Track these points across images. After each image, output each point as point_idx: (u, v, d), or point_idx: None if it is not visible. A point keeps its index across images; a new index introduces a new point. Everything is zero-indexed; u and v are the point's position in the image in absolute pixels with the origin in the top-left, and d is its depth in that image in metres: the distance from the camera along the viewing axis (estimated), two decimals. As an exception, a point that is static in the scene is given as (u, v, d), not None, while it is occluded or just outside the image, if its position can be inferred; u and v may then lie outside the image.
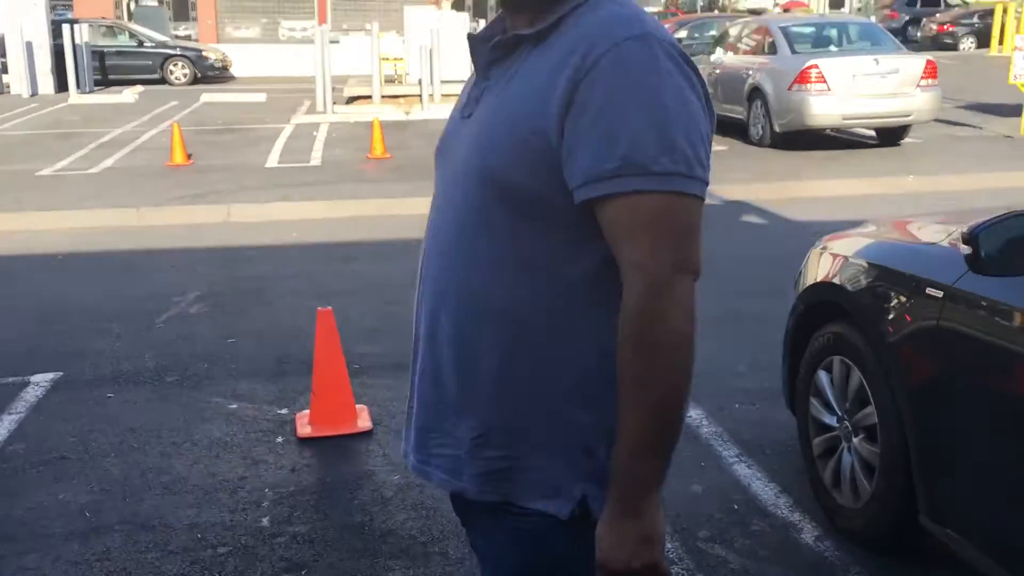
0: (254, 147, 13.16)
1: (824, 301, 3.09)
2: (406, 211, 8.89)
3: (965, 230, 2.07)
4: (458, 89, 16.68)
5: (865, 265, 2.88)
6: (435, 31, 16.35)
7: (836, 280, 3.02)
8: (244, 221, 8.65)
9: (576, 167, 1.28)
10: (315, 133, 14.38)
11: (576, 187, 1.29)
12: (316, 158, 12.20)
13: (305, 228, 8.24)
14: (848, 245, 3.13)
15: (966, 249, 2.09)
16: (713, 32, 19.50)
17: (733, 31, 13.96)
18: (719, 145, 12.12)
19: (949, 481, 2.50)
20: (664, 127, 1.25)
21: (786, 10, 32.42)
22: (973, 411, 2.39)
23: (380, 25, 17.87)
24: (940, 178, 9.80)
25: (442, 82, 16.77)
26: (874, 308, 2.78)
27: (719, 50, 13.78)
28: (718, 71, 13.32)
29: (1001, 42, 26.56)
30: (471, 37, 1.51)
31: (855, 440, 2.94)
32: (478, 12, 30.30)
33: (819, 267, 3.17)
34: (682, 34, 19.79)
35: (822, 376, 3.07)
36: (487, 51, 1.44)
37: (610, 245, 1.31)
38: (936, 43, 28.27)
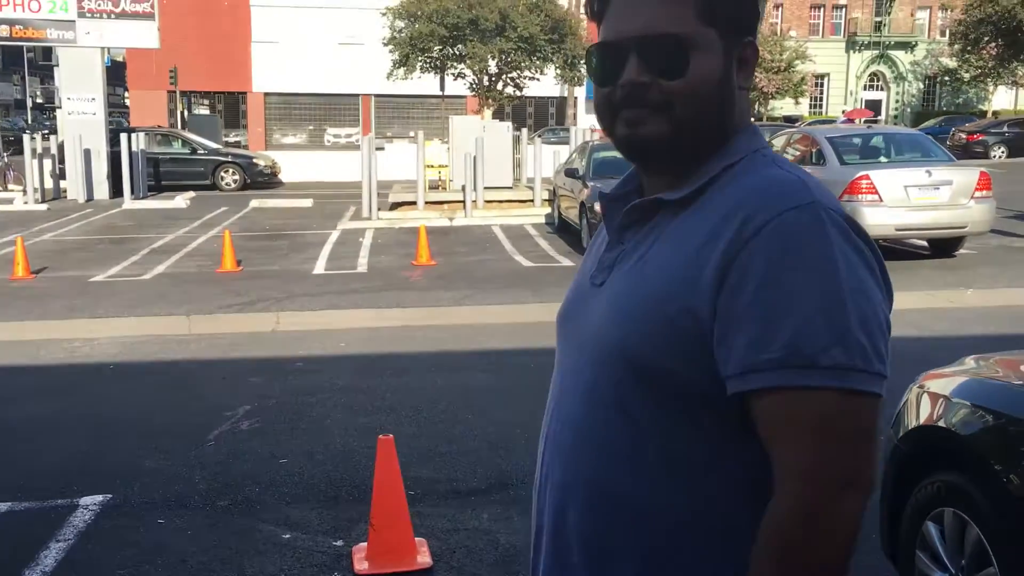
0: (301, 253, 13.28)
1: (930, 446, 2.88)
2: (453, 320, 8.83)
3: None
4: (500, 196, 17.06)
5: (978, 408, 2.69)
6: (479, 140, 16.63)
7: (942, 423, 2.82)
8: (293, 329, 8.60)
9: (730, 354, 1.13)
10: (361, 239, 14.51)
11: (729, 376, 1.13)
12: (363, 264, 12.26)
13: (353, 338, 8.16)
14: (951, 385, 2.93)
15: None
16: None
17: (778, 142, 14.00)
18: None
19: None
20: (836, 312, 1.09)
21: (850, 119, 32.63)
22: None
23: (424, 133, 18.22)
24: (999, 291, 9.57)
25: (485, 188, 16.96)
26: (993, 457, 2.57)
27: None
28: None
29: (1045, 150, 26.53)
30: (603, 195, 1.39)
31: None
32: (517, 121, 30.92)
33: (920, 408, 2.98)
34: (724, 142, 19.93)
35: (931, 529, 2.84)
36: (622, 214, 1.31)
37: (765, 445, 1.14)
38: (967, 152, 28.37)
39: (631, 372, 1.21)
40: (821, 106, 45.04)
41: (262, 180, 24.27)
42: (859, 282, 1.12)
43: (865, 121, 31.59)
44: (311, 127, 37.03)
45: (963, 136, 29.91)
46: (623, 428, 1.22)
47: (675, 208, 1.25)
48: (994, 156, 28.77)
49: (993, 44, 34.27)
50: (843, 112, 37.90)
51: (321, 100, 36.61)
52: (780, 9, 44.60)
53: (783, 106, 40.14)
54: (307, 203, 20.25)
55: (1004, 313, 8.57)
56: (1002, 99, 43.07)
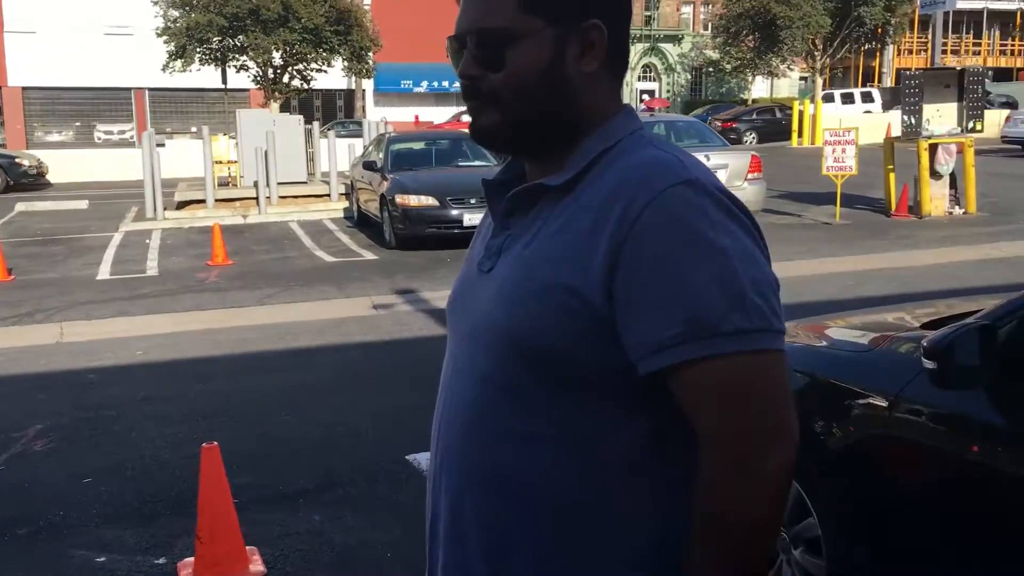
0: (81, 258, 12.39)
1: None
2: (258, 320, 8.52)
3: (927, 344, 2.10)
4: (295, 191, 16.53)
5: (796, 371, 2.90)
6: (270, 134, 16.12)
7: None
8: (80, 340, 7.99)
9: (635, 337, 1.14)
10: (148, 241, 13.71)
11: (640, 359, 1.14)
12: (152, 267, 11.59)
13: (151, 345, 7.70)
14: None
15: (929, 363, 2.11)
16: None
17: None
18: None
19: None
20: (729, 280, 1.11)
21: (650, 108, 34.05)
22: (924, 521, 2.40)
23: (208, 128, 17.43)
24: (779, 264, 10.33)
25: (279, 184, 16.47)
26: (806, 413, 2.79)
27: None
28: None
29: (800, 134, 28.94)
30: (486, 182, 1.38)
31: (795, 553, 2.91)
32: (305, 114, 30.21)
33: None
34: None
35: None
36: (506, 200, 1.30)
37: (689, 420, 1.16)
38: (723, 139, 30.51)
39: (522, 356, 1.20)
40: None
41: (27, 181, 22.41)
42: (744, 249, 1.14)
43: (661, 109, 33.33)
44: (78, 124, 34.55)
45: (719, 124, 32.03)
46: (517, 413, 1.22)
47: (558, 193, 1.25)
48: (746, 141, 30.93)
49: (751, 37, 36.91)
50: (643, 101, 39.56)
51: (89, 95, 34.23)
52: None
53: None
54: (82, 204, 18.88)
55: (786, 284, 9.25)
56: (760, 88, 46.57)
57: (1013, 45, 51.93)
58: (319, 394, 6.17)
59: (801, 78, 46.92)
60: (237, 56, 25.18)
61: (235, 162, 18.15)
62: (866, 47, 38.05)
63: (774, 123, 30.03)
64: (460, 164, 13.57)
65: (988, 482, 2.22)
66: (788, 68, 36.11)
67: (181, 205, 16.68)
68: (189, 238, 14.04)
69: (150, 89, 36.58)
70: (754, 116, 33.10)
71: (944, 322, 2.70)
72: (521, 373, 1.21)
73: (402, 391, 6.12)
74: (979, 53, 50.24)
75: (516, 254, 1.25)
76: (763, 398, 1.12)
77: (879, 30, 33.71)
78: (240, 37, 24.74)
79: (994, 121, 23.28)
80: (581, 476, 1.20)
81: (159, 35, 24.85)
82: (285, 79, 25.65)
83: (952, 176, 13.03)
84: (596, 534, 1.21)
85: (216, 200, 16.45)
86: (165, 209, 15.74)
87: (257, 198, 16.12)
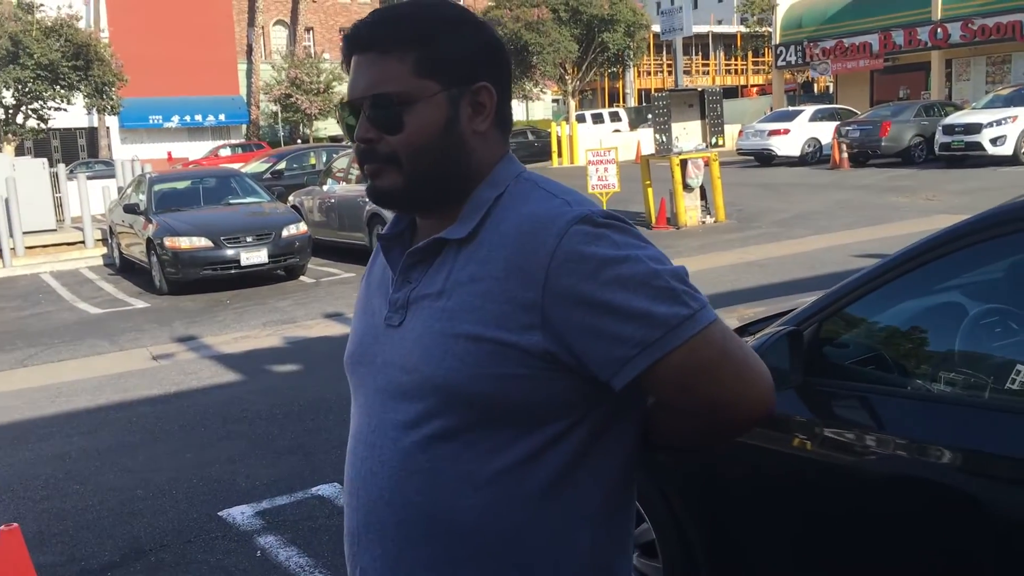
0: None
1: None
2: (21, 384, 7.85)
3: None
4: (44, 240, 15.32)
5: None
6: (10, 180, 14.87)
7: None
8: None
9: (596, 362, 1.22)
10: None
11: (609, 378, 1.22)
12: None
13: None
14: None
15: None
16: (313, 161, 19.94)
17: (340, 163, 14.37)
18: (344, 272, 12.30)
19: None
20: (654, 282, 1.21)
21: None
22: (751, 519, 2.63)
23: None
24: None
25: (24, 233, 15.22)
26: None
27: (330, 181, 14.09)
28: (332, 200, 13.60)
29: (560, 154, 30.30)
30: (382, 237, 1.41)
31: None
32: (42, 155, 28.14)
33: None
34: (282, 166, 19.95)
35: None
36: (406, 256, 1.35)
37: (667, 403, 1.30)
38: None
39: (456, 404, 1.25)
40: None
41: None
42: (651, 253, 1.25)
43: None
44: None
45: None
46: (451, 456, 1.26)
47: (457, 243, 1.30)
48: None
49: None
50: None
51: None
52: (312, 33, 45.58)
53: (326, 127, 41.10)
54: None
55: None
56: (516, 112, 48.37)
57: (736, 64, 57.09)
58: (108, 457, 5.76)
59: (553, 100, 49.18)
60: (-39, 96, 23.07)
61: (-30, 212, 16.52)
62: (610, 70, 40.48)
63: (528, 145, 31.22)
64: (231, 202, 13.11)
65: (804, 475, 2.47)
66: (541, 92, 37.72)
67: (-92, 263, 14.98)
68: (-76, 300, 12.65)
69: None
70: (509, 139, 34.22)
71: (744, 329, 2.97)
72: (455, 419, 1.25)
73: (201, 445, 5.84)
74: (708, 73, 54.81)
75: (428, 307, 1.29)
76: (727, 363, 1.24)
77: (621, 54, 35.96)
78: (-37, 76, 22.68)
79: (730, 135, 25.48)
80: (520, 504, 1.26)
81: None
82: (19, 120, 23.75)
83: (702, 188, 14.13)
84: (538, 557, 1.27)
85: (-49, 255, 14.92)
86: None
87: (0, 251, 14.78)
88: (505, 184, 1.32)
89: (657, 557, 2.96)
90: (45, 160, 17.31)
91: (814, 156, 23.98)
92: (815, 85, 46.90)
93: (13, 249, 14.85)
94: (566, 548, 1.28)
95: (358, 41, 1.31)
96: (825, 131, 23.87)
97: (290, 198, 15.22)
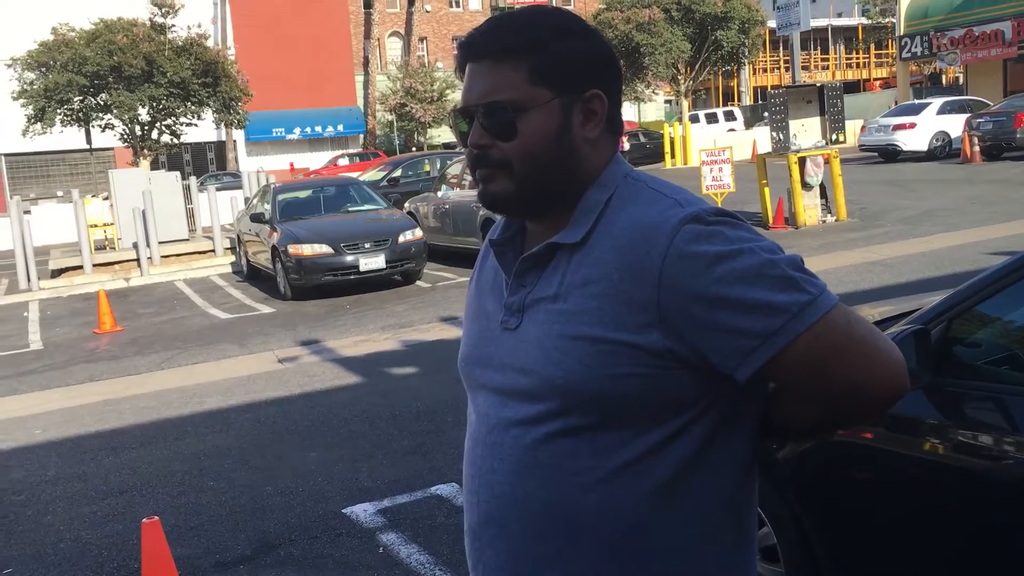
0: (-45, 338, 11.71)
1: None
2: (159, 386, 8.26)
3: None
4: (178, 249, 16.03)
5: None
6: (147, 193, 15.66)
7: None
8: (-31, 425, 7.56)
9: (718, 356, 1.23)
10: (25, 314, 13.10)
11: (732, 371, 1.24)
12: (36, 340, 11.08)
13: (49, 422, 7.36)
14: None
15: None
16: (427, 168, 20.31)
17: (454, 169, 14.60)
18: (459, 276, 12.48)
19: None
20: (770, 271, 1.21)
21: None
22: (879, 524, 2.55)
23: (78, 191, 16.83)
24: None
25: (160, 243, 16.01)
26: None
27: (444, 187, 14.33)
28: (447, 206, 13.82)
29: (673, 156, 29.95)
30: (492, 242, 1.44)
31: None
32: (175, 169, 29.52)
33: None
34: (397, 173, 20.39)
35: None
36: (520, 262, 1.37)
37: (793, 391, 1.30)
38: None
39: (576, 403, 1.27)
40: (475, 131, 47.35)
41: None
42: (765, 244, 1.24)
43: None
44: (-70, 196, 32.65)
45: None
46: (570, 451, 1.28)
47: (571, 247, 1.32)
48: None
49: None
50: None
51: (-61, 164, 32.46)
52: (425, 42, 46.43)
53: (440, 134, 41.76)
54: (-55, 281, 17.83)
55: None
56: (628, 113, 48.05)
57: (857, 58, 55.19)
58: (239, 456, 6.02)
59: (666, 101, 48.62)
60: (101, 115, 24.42)
61: (111, 224, 17.52)
62: (724, 69, 39.76)
63: (640, 147, 30.95)
64: (350, 210, 13.50)
65: (936, 480, 2.39)
66: (653, 93, 37.34)
67: (56, 273, 15.98)
68: (71, 307, 13.47)
69: (7, 155, 35.02)
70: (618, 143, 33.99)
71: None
72: (577, 417, 1.28)
73: (324, 444, 6.04)
74: (827, 67, 53.17)
75: (545, 310, 1.32)
76: (853, 345, 1.23)
77: (735, 52, 35.27)
78: (103, 95, 24.02)
79: (851, 131, 24.67)
80: (642, 499, 1.28)
81: (15, 98, 23.87)
82: (154, 135, 25.01)
83: (822, 187, 13.73)
84: (660, 550, 1.29)
85: (94, 265, 15.84)
86: (40, 279, 15.05)
87: (138, 260, 15.61)
88: (614, 185, 1.34)
89: (779, 562, 2.91)
90: (178, 173, 18.17)
91: (943, 150, 22.97)
92: (943, 76, 44.90)
93: (150, 258, 15.65)
94: (689, 542, 1.29)
95: (473, 49, 1.34)
96: (955, 124, 22.82)
97: (406, 204, 15.54)
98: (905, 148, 23.12)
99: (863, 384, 1.24)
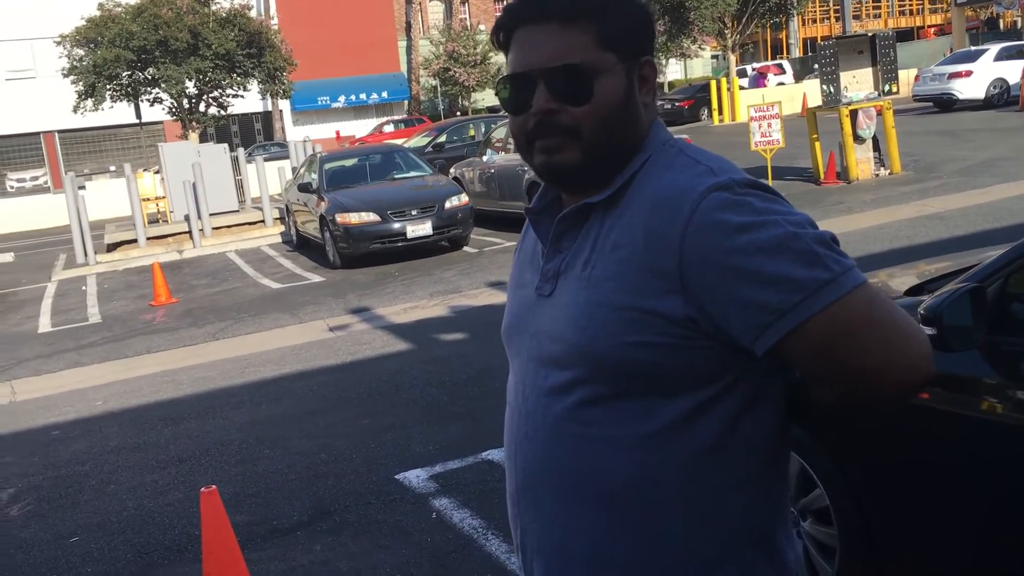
0: (18, 312, 12.06)
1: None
2: (215, 356, 8.41)
3: (923, 311, 2.20)
4: (228, 221, 16.22)
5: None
6: (196, 165, 15.84)
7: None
8: (34, 397, 7.80)
9: (737, 327, 1.21)
10: (84, 288, 13.40)
11: (751, 343, 1.21)
12: (95, 314, 11.33)
13: (110, 393, 7.54)
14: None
15: (929, 329, 2.20)
16: (472, 133, 20.24)
17: (498, 133, 14.52)
18: (506, 241, 12.46)
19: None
20: (794, 245, 1.18)
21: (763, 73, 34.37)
22: (934, 486, 2.50)
23: (130, 165, 17.09)
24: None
25: (211, 215, 16.22)
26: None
27: (489, 151, 14.27)
28: (492, 170, 13.78)
29: (721, 112, 29.46)
30: (529, 211, 1.44)
31: (804, 524, 3.00)
32: (222, 140, 29.84)
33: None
34: (442, 139, 20.36)
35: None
36: (555, 224, 1.37)
37: (812, 384, 1.30)
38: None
39: (604, 370, 1.27)
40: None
41: (-56, 239, 21.63)
42: (795, 218, 1.22)
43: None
44: (-11, 174, 33.47)
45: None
46: (604, 421, 1.28)
47: (603, 208, 1.32)
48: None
49: (661, 21, 37.41)
50: (755, 69, 39.44)
51: (-5, 143, 33.18)
52: (467, 5, 46.06)
53: (484, 98, 41.56)
54: (7, 257, 18.32)
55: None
56: (674, 71, 47.28)
57: (911, 4, 53.59)
58: (294, 424, 6.12)
59: (713, 56, 47.75)
60: (149, 89, 24.70)
61: (163, 198, 17.79)
62: (772, 21, 38.86)
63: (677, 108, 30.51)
64: (396, 177, 13.53)
65: (994, 441, 2.33)
66: (699, 48, 36.68)
67: (112, 247, 16.30)
68: (127, 280, 13.75)
69: (60, 132, 35.68)
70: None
71: (923, 287, 2.82)
72: (601, 386, 1.27)
73: (376, 411, 6.11)
74: (879, 16, 51.74)
75: (577, 276, 1.31)
76: (872, 329, 1.19)
77: (783, 3, 34.42)
78: (150, 70, 24.26)
79: (905, 81, 24.02)
80: (669, 469, 1.27)
81: (66, 75, 24.24)
82: (202, 108, 25.25)
83: (875, 139, 13.41)
84: (688, 520, 1.28)
85: (148, 238, 16.12)
86: (96, 253, 15.37)
87: (190, 232, 15.85)
88: (651, 151, 1.33)
89: (832, 524, 2.88)
90: (226, 145, 18.35)
91: (1001, 98, 22.25)
92: (1000, 21, 43.40)
93: (202, 230, 15.88)
94: (718, 514, 1.28)
95: (538, 9, 1.30)
96: (1014, 71, 22.08)
97: (451, 170, 15.53)
98: (961, 96, 22.44)
99: (878, 369, 1.20)
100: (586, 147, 1.29)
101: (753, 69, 39.08)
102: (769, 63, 40.54)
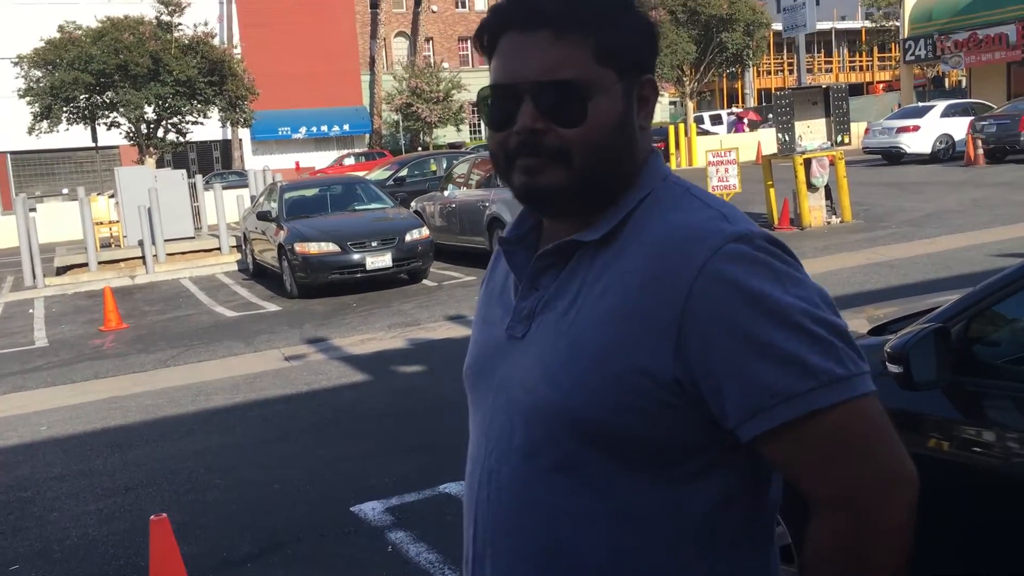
0: (-39, 334, 11.72)
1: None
2: (165, 384, 8.24)
3: (890, 349, 2.24)
4: (183, 247, 16.00)
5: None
6: (153, 190, 15.67)
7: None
8: (-25, 421, 7.56)
9: (727, 406, 1.06)
10: (31, 310, 13.11)
11: (735, 427, 1.07)
12: (41, 337, 11.08)
13: (54, 419, 7.35)
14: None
15: (894, 367, 2.24)
16: (434, 168, 20.31)
17: (460, 169, 14.59)
18: (465, 275, 12.46)
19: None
20: (809, 332, 1.05)
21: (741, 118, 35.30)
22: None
23: (84, 189, 16.84)
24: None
25: (165, 241, 16.01)
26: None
27: (451, 186, 14.32)
28: (453, 205, 13.81)
29: (678, 156, 29.93)
30: (503, 240, 1.28)
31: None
32: (179, 167, 29.53)
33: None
34: (404, 173, 20.39)
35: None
36: (533, 259, 1.22)
37: (791, 480, 1.10)
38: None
39: (578, 433, 1.12)
40: (480, 132, 47.44)
41: None
42: (812, 295, 1.09)
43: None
44: (-65, 193, 32.72)
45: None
46: (574, 491, 1.14)
47: (593, 247, 1.16)
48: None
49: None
50: (731, 113, 40.42)
51: (-55, 162, 32.49)
52: (431, 43, 46.40)
53: (445, 134, 41.76)
54: (-50, 278, 17.85)
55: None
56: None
57: (860, 61, 55.17)
58: (245, 453, 6.01)
59: (671, 103, 48.56)
60: (107, 113, 24.41)
61: (116, 222, 17.52)
62: (729, 71, 39.71)
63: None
64: (357, 208, 13.48)
65: (954, 481, 2.36)
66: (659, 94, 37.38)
67: (62, 270, 16.00)
68: (76, 304, 13.47)
69: (12, 153, 35.08)
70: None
71: (886, 327, 2.87)
72: (575, 449, 1.13)
73: (332, 442, 6.03)
74: (831, 70, 53.16)
75: (556, 320, 1.16)
76: (874, 442, 1.07)
77: (740, 54, 35.24)
78: (109, 93, 24.00)
79: (855, 133, 24.64)
80: (647, 550, 1.13)
81: (22, 96, 23.87)
82: (160, 133, 25.00)
83: (827, 188, 13.70)
84: None
85: (99, 262, 15.84)
86: (45, 276, 15.06)
87: (144, 257, 15.61)
88: (651, 186, 1.18)
89: (794, 563, 2.89)
90: (183, 171, 18.17)
91: (946, 153, 22.93)
92: (946, 80, 44.84)
93: (156, 256, 15.65)
94: None
95: (529, 13, 1.13)
96: (958, 127, 22.79)
97: (412, 204, 15.53)
98: (909, 151, 23.09)
99: (880, 488, 1.06)
100: (574, 172, 1.13)
101: (731, 114, 39.98)
102: (749, 108, 41.61)
